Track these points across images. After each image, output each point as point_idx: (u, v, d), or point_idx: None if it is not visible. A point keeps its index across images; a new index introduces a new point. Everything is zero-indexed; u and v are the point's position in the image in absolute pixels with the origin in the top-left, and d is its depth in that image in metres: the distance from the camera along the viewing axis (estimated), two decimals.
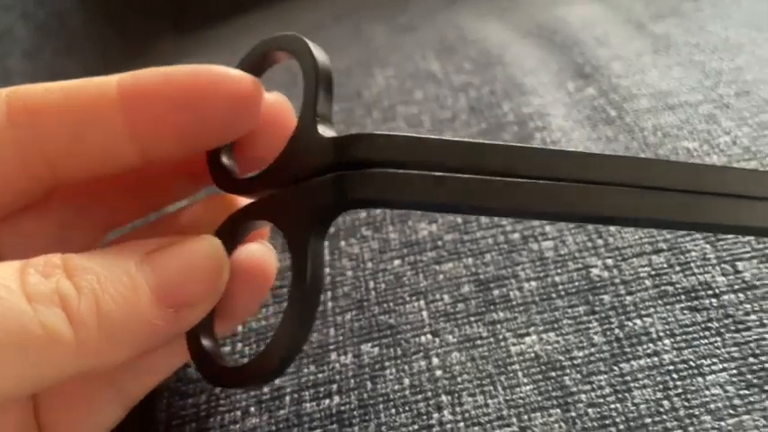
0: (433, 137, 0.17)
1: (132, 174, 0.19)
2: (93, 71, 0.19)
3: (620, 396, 0.20)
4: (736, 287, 0.22)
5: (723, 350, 0.20)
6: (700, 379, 0.19)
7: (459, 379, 0.21)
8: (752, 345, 0.20)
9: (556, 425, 0.19)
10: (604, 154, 0.16)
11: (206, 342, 0.19)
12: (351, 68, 0.41)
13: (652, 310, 0.22)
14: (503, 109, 0.32)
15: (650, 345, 0.21)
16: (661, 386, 0.20)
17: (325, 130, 0.18)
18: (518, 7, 0.46)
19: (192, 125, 0.18)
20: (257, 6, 0.61)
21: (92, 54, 0.58)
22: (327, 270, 0.25)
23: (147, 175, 0.20)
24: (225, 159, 0.20)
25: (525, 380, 0.20)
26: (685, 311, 0.21)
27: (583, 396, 0.20)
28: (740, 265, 0.22)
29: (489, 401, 0.20)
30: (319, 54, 0.18)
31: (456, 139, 0.17)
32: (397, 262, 0.25)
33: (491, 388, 0.20)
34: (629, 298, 0.22)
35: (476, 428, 0.20)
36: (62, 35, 0.54)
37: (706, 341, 0.20)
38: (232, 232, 0.19)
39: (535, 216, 0.16)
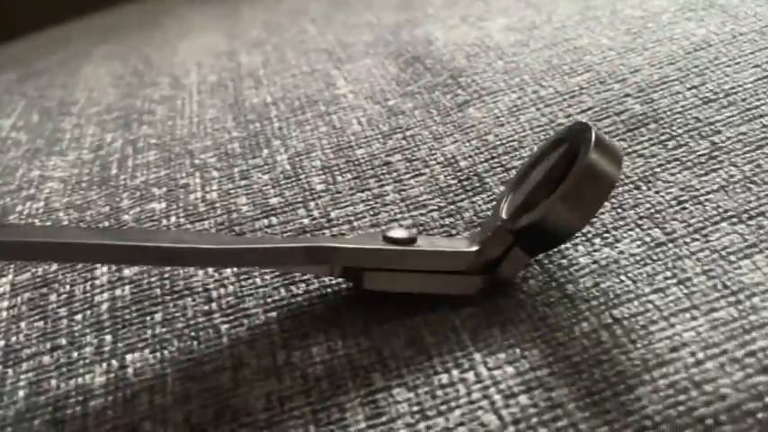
0: None
1: None
2: None
3: None
4: (111, 388, 0.19)
5: None
6: None
7: None
8: None
9: None
10: None
11: None
12: None
13: (10, 429, 0.18)
14: (16, 175, 0.29)
15: None
16: None
17: None
18: (146, 45, 0.43)
19: None
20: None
21: None
22: None
23: None
24: None
25: None
26: (43, 427, 0.18)
27: None
28: (129, 357, 0.19)
29: None
30: None
31: None
32: None
33: None
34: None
35: None
36: None
37: None
38: None
39: None
